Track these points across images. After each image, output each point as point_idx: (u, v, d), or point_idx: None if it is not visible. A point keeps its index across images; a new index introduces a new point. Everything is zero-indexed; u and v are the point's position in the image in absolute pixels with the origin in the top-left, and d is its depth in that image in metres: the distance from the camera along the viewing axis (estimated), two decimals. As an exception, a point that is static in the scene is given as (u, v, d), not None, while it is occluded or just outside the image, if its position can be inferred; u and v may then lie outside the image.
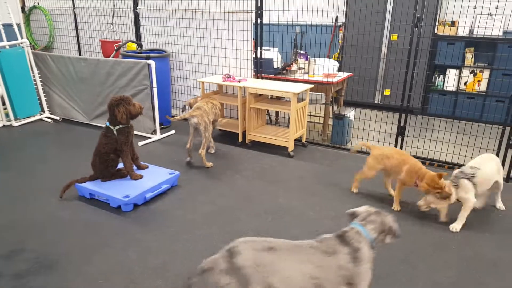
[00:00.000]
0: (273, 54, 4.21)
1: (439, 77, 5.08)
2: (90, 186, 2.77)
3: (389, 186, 2.96)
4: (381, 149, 2.81)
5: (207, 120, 3.30)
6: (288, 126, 4.28)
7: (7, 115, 4.50)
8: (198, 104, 3.42)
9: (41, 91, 4.75)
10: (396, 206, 2.73)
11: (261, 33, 4.00)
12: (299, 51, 4.26)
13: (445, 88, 5.03)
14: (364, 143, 2.97)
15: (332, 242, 1.53)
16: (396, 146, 3.68)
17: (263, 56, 4.12)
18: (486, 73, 4.78)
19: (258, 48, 4.07)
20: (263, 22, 3.99)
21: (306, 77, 4.07)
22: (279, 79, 4.11)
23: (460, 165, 3.41)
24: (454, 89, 4.99)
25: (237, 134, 4.02)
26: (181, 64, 4.67)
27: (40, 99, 4.76)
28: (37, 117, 4.73)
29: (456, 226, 2.47)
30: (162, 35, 4.66)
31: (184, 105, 3.79)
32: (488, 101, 4.77)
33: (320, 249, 1.50)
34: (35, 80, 4.68)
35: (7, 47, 4.44)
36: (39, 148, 3.82)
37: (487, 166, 2.54)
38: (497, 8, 4.64)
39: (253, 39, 4.11)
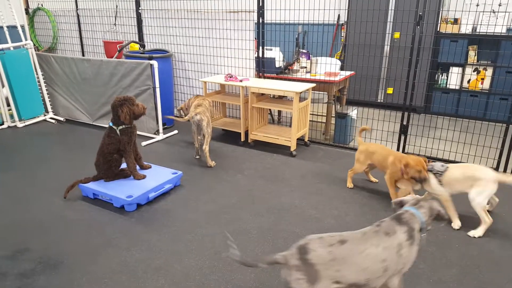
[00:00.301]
0: (275, 53, 4.21)
1: (442, 75, 5.05)
2: (93, 186, 2.79)
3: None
4: (367, 145, 2.96)
5: (209, 116, 3.41)
6: (290, 126, 4.29)
7: (11, 116, 4.54)
8: (197, 102, 3.50)
9: (45, 92, 4.78)
10: None
11: (263, 33, 4.01)
12: (301, 50, 4.26)
13: (448, 86, 5.01)
14: (359, 138, 3.06)
15: (391, 223, 1.62)
16: (399, 144, 3.67)
17: (265, 56, 4.13)
18: (490, 71, 4.75)
19: (260, 47, 4.08)
20: (265, 21, 4.00)
21: (308, 76, 4.07)
22: (281, 79, 4.11)
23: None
24: (457, 87, 4.96)
25: (240, 133, 4.03)
26: (184, 64, 4.69)
27: (44, 100, 4.80)
28: (41, 118, 4.77)
29: (454, 225, 2.48)
30: (164, 36, 4.68)
31: (178, 111, 3.90)
32: (491, 99, 4.74)
33: (382, 232, 1.58)
34: (39, 81, 4.72)
35: (12, 48, 4.48)
36: (43, 148, 3.85)
37: (457, 172, 2.42)
38: (500, 5, 4.61)
39: (255, 39, 4.11)
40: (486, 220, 2.37)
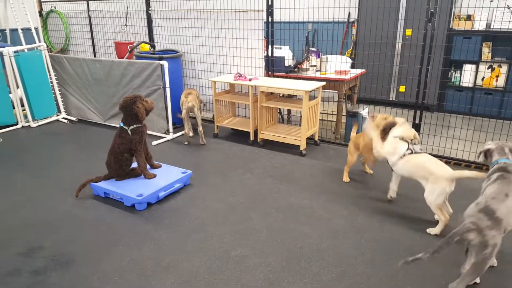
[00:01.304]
0: (284, 52, 4.19)
1: (455, 73, 4.95)
2: (105, 185, 2.83)
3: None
4: (355, 136, 3.13)
5: (198, 102, 3.95)
6: (300, 125, 4.26)
7: (25, 116, 4.64)
8: (186, 91, 3.94)
9: (57, 92, 4.87)
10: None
11: (272, 31, 3.99)
12: (311, 48, 4.23)
13: (461, 84, 4.91)
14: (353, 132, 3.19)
15: (508, 175, 1.88)
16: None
17: (274, 55, 4.11)
18: (504, 68, 4.63)
19: (270, 46, 4.06)
20: (274, 20, 3.98)
21: (318, 74, 4.04)
22: (290, 77, 4.09)
23: (477, 163, 3.33)
24: (471, 85, 4.85)
25: (249, 133, 4.03)
26: (193, 64, 4.71)
27: (56, 100, 4.89)
28: (54, 118, 4.86)
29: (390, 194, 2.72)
30: (174, 36, 4.71)
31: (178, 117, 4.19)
32: (506, 96, 4.63)
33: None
34: (51, 82, 4.81)
35: (26, 50, 4.58)
36: (55, 148, 3.92)
37: (420, 159, 2.41)
38: (516, 0, 4.48)
39: (265, 38, 4.10)
40: (442, 219, 2.35)
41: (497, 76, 4.70)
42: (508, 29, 4.49)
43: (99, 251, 2.24)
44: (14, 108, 4.55)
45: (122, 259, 2.17)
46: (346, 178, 3.14)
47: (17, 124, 4.59)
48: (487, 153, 2.09)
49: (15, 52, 4.39)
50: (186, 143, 3.95)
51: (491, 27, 4.62)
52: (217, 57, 4.48)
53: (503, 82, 4.67)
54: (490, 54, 4.69)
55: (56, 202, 2.81)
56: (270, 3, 3.88)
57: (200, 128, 3.89)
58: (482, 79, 4.80)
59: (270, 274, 2.03)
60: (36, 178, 3.22)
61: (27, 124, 4.63)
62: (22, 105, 4.64)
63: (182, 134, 4.31)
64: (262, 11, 3.97)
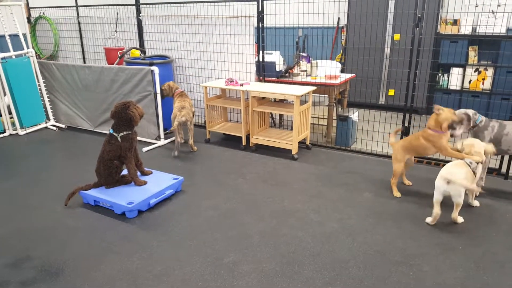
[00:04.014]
0: (275, 57, 4.22)
1: (443, 76, 5.04)
2: (94, 193, 2.79)
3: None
4: (403, 140, 2.95)
5: (192, 115, 3.82)
6: (291, 129, 4.28)
7: (13, 124, 4.56)
8: (181, 104, 3.77)
9: (46, 99, 4.81)
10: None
11: (263, 37, 4.02)
12: (301, 53, 4.26)
13: (449, 87, 4.99)
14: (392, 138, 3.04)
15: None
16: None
17: (265, 60, 4.13)
18: (490, 71, 4.73)
19: (260, 51, 4.08)
20: (265, 25, 4.01)
21: (308, 79, 4.07)
22: (281, 82, 4.11)
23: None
24: (459, 88, 4.94)
25: (241, 137, 4.02)
26: (184, 70, 4.70)
27: (45, 107, 4.82)
28: (43, 125, 4.79)
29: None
30: (165, 42, 4.70)
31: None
32: (493, 99, 4.72)
33: None
34: (40, 89, 4.75)
35: (14, 57, 4.52)
36: (44, 156, 3.86)
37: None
38: (499, 5, 4.60)
39: (255, 43, 4.12)
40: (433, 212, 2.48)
41: (483, 79, 4.80)
42: (493, 33, 4.60)
43: (90, 260, 2.20)
44: (1, 115, 4.48)
45: (113, 268, 2.13)
46: (396, 192, 2.90)
47: (4, 132, 4.51)
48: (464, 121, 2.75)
49: (2, 58, 4.32)
50: (176, 153, 3.75)
51: (477, 31, 4.73)
52: (208, 62, 4.48)
53: (489, 84, 4.77)
54: (476, 58, 4.79)
55: (45, 211, 2.76)
56: (260, 9, 3.91)
57: (191, 142, 3.84)
58: (469, 82, 4.89)
59: (263, 280, 2.01)
60: (25, 186, 3.17)
61: (15, 132, 4.55)
62: (10, 113, 4.56)
63: (173, 141, 4.28)
64: (253, 17, 3.99)
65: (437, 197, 2.45)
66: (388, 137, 3.08)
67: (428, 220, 2.52)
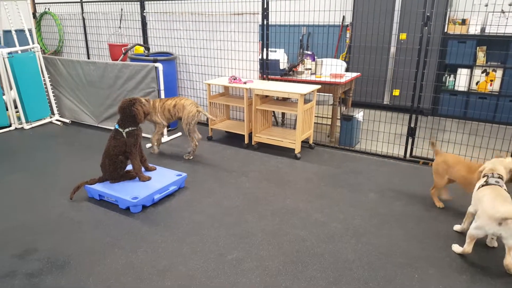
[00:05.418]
0: (279, 55, 4.20)
1: (450, 77, 4.99)
2: (99, 188, 2.79)
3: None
4: (445, 156, 2.65)
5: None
6: (294, 128, 4.26)
7: (19, 118, 4.58)
8: (187, 101, 3.56)
9: (51, 94, 4.82)
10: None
11: (267, 34, 3.99)
12: (306, 51, 4.24)
13: (456, 88, 4.95)
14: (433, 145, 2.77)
15: None
16: (406, 147, 3.62)
17: (269, 57, 4.11)
18: (499, 72, 4.68)
19: (264, 49, 4.07)
20: (270, 23, 3.99)
21: (313, 77, 4.04)
22: (285, 80, 4.09)
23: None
24: (466, 89, 4.90)
25: (243, 136, 4.01)
26: (188, 67, 4.69)
27: (50, 102, 4.83)
28: (47, 120, 4.80)
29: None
30: (169, 38, 4.69)
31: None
32: (501, 101, 4.67)
33: None
34: (45, 84, 4.76)
35: (19, 52, 4.53)
36: (49, 150, 3.87)
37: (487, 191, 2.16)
38: (510, 5, 4.54)
39: (259, 41, 4.10)
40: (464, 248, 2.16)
41: (491, 81, 4.75)
42: (503, 33, 4.54)
43: (94, 254, 2.20)
44: (7, 110, 4.49)
45: (117, 262, 2.13)
46: (438, 203, 2.72)
47: (10, 126, 4.53)
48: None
49: (9, 53, 4.33)
50: (191, 157, 3.61)
51: (486, 31, 4.68)
52: (211, 59, 4.47)
53: (498, 86, 4.72)
54: (485, 59, 4.74)
55: (51, 205, 2.77)
56: (265, 6, 3.89)
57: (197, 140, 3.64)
58: (477, 83, 4.84)
59: (266, 278, 2.01)
60: (30, 180, 3.17)
61: (20, 126, 4.57)
62: (16, 107, 4.58)
63: (176, 137, 4.28)
64: (257, 14, 3.97)
65: (478, 235, 2.08)
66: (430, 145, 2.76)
67: (456, 249, 2.22)
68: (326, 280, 2.00)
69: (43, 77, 4.73)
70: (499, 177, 2.19)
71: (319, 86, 3.75)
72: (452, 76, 4.97)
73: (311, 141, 3.94)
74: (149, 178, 2.91)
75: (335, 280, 2.00)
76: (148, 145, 3.96)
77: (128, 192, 2.72)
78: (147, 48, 4.72)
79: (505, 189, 2.13)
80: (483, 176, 2.26)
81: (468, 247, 2.12)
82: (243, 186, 3.07)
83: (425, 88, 4.91)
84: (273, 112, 4.41)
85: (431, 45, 4.80)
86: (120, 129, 2.81)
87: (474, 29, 4.72)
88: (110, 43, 5.25)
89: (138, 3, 4.77)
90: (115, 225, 2.51)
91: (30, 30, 4.99)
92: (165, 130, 4.16)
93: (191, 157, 3.64)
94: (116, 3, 5.28)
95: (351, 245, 2.29)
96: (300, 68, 4.14)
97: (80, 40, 5.81)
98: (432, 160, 3.52)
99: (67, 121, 4.81)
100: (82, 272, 2.05)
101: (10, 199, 2.86)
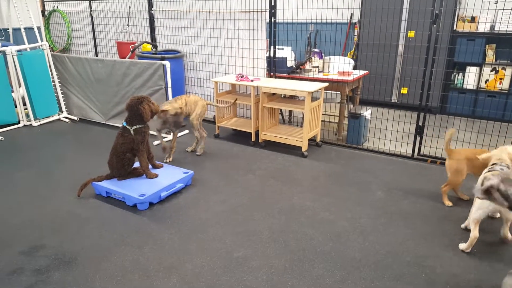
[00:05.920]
0: (286, 53, 4.18)
1: (458, 75, 4.93)
2: (106, 185, 2.81)
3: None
4: (468, 152, 2.62)
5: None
6: (301, 126, 4.25)
7: (27, 115, 4.63)
8: (193, 98, 3.56)
9: (59, 92, 4.86)
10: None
11: (274, 32, 3.98)
12: (313, 49, 4.22)
13: (465, 86, 4.89)
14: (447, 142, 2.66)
15: None
16: (414, 146, 3.59)
17: (276, 55, 4.10)
18: (509, 71, 4.61)
19: (272, 47, 4.05)
20: (277, 20, 3.97)
21: (320, 75, 4.02)
22: (293, 78, 4.08)
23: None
24: (474, 87, 4.84)
25: (250, 133, 4.01)
26: (195, 65, 4.70)
27: (58, 99, 4.88)
28: (56, 117, 4.85)
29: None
30: (176, 36, 4.70)
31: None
32: (510, 99, 4.61)
33: None
34: (53, 81, 4.80)
35: (28, 49, 4.57)
36: (57, 147, 3.91)
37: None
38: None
39: (267, 38, 4.09)
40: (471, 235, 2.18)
41: (501, 79, 4.68)
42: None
43: (101, 250, 2.22)
44: (16, 107, 4.55)
45: (124, 259, 2.15)
46: (447, 202, 2.71)
47: (19, 123, 4.58)
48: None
49: (18, 51, 4.38)
50: (202, 152, 3.68)
51: (496, 29, 4.61)
52: (219, 57, 4.47)
53: (507, 84, 4.65)
54: (494, 57, 4.67)
55: (58, 201, 2.80)
56: (273, 4, 3.87)
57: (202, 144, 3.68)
58: (486, 82, 4.78)
59: (273, 276, 2.01)
60: (38, 177, 3.21)
61: (28, 123, 4.62)
62: (24, 104, 4.63)
63: (183, 135, 4.29)
64: (265, 11, 3.96)
65: (480, 217, 2.12)
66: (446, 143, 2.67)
67: (462, 246, 2.22)
68: (332, 278, 1.99)
69: (52, 74, 4.77)
70: (507, 166, 2.23)
71: (326, 84, 3.73)
72: (460, 74, 4.91)
73: (318, 139, 3.93)
74: (156, 176, 2.93)
75: (342, 278, 1.99)
76: (156, 142, 3.98)
77: (135, 189, 2.74)
78: (155, 46, 4.74)
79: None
80: (492, 165, 2.29)
81: (474, 232, 2.16)
82: (250, 184, 3.07)
83: (433, 86, 4.84)
84: (280, 110, 4.41)
85: (439, 43, 4.72)
86: (128, 127, 2.82)
87: (483, 27, 4.65)
88: (118, 41, 5.28)
89: (146, 1, 4.79)
90: (122, 222, 2.53)
91: (38, 28, 5.04)
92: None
93: (202, 150, 3.70)
94: (124, 1, 5.30)
95: (358, 243, 2.28)
96: (307, 66, 4.12)
97: (88, 37, 5.85)
98: (440, 158, 3.49)
99: (75, 118, 4.85)
100: (89, 269, 2.07)
101: (18, 196, 2.90)
